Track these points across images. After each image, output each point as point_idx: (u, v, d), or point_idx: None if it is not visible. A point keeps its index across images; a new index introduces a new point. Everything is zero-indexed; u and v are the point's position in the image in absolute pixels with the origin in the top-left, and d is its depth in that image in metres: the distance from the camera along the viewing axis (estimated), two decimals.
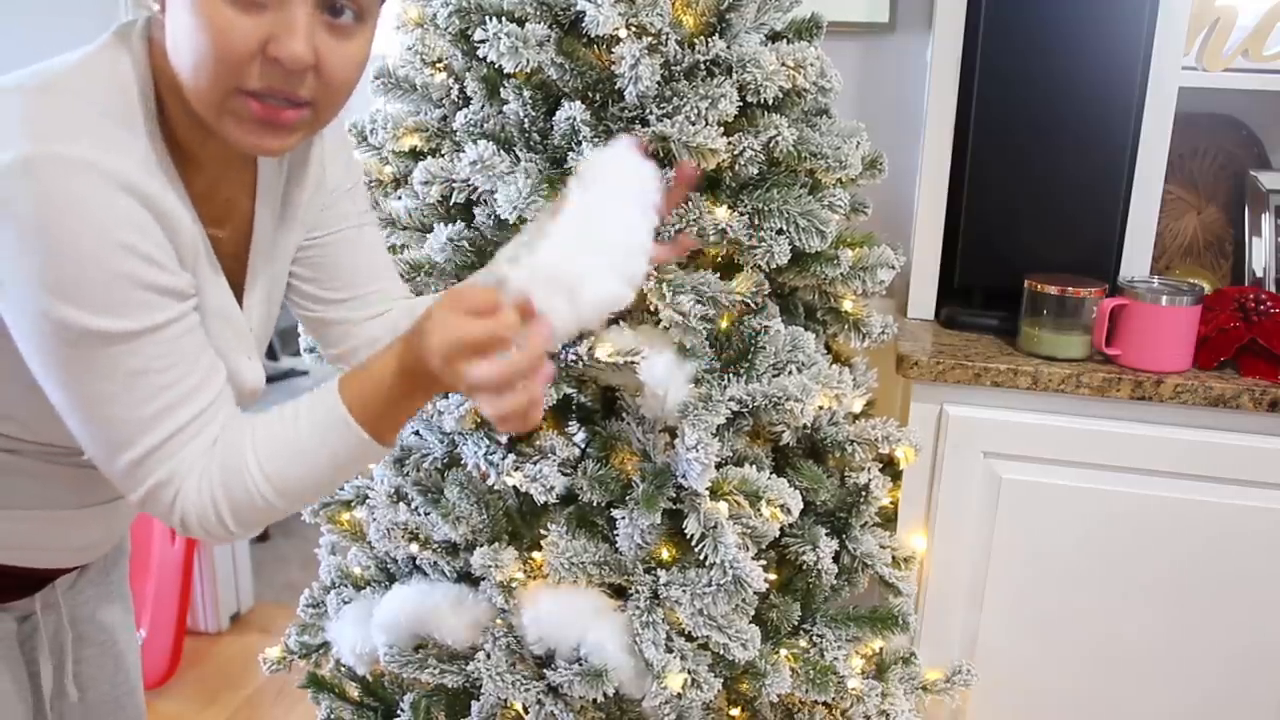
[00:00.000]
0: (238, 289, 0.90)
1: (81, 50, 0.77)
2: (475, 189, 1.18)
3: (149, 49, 0.78)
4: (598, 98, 1.14)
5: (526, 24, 1.10)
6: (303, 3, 0.72)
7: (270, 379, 3.32)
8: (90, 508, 0.95)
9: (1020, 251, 1.53)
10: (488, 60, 1.12)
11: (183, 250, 0.76)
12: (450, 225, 1.22)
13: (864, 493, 1.30)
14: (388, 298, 1.02)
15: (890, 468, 1.37)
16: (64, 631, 1.00)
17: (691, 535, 1.13)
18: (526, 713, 1.24)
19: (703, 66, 1.13)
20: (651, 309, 1.14)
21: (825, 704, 1.31)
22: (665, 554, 1.20)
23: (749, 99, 1.13)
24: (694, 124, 1.09)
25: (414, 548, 1.27)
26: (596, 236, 0.83)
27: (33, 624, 0.98)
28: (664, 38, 1.10)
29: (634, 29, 1.09)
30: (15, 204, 0.68)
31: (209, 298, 0.83)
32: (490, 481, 1.23)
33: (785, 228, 1.15)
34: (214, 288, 0.84)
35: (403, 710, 1.36)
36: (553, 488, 1.18)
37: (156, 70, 0.78)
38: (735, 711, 1.30)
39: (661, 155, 1.14)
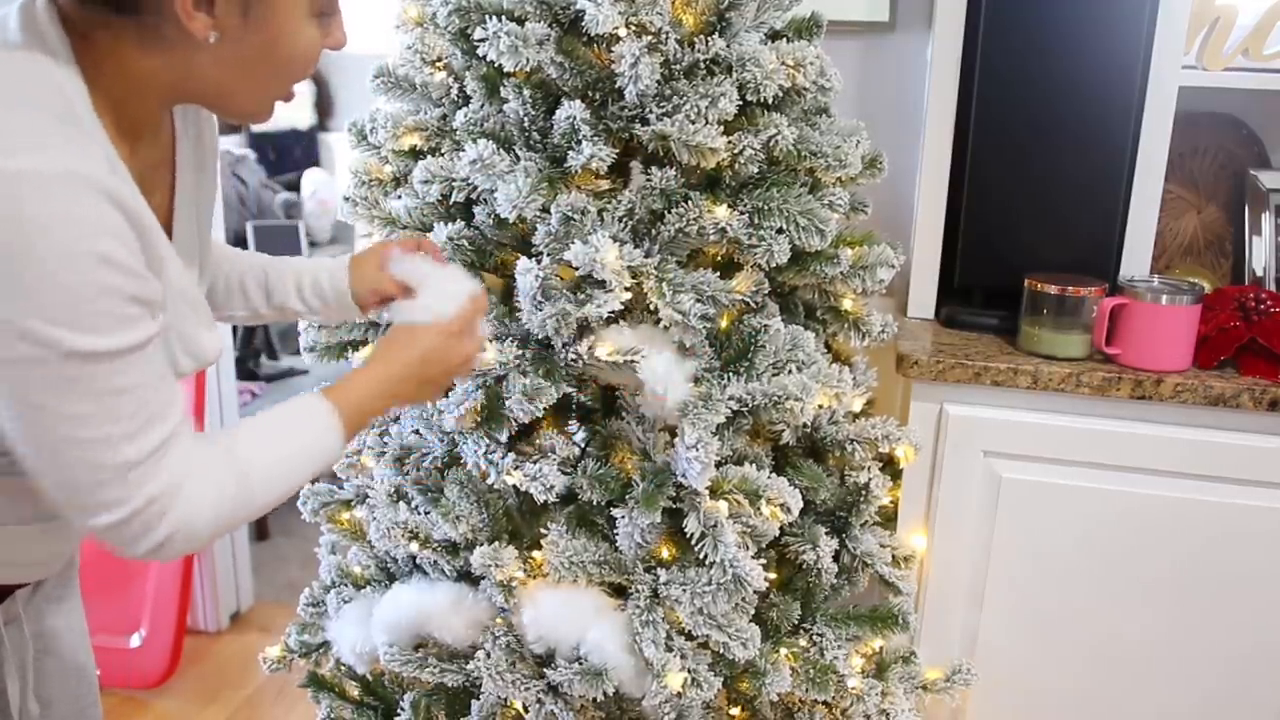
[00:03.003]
0: None
1: None
2: (475, 188, 1.18)
3: (72, 41, 0.77)
4: (597, 96, 1.14)
5: (526, 23, 1.10)
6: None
7: (270, 378, 3.31)
8: (53, 520, 0.93)
9: (1020, 251, 1.53)
10: (487, 59, 1.12)
11: (149, 244, 0.75)
12: (450, 224, 1.22)
13: (864, 492, 1.30)
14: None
15: (890, 467, 1.37)
16: (25, 645, 0.98)
17: (691, 534, 1.13)
18: (526, 712, 1.24)
19: (702, 65, 1.13)
20: (651, 308, 1.14)
21: (825, 703, 1.31)
22: (665, 553, 1.20)
23: (749, 98, 1.13)
24: (694, 123, 1.09)
25: (414, 547, 1.27)
26: None
27: None
28: (664, 36, 1.10)
29: (634, 28, 1.09)
30: None
31: (171, 275, 0.82)
32: (490, 480, 1.23)
33: (785, 226, 1.15)
34: (174, 265, 0.83)
35: (403, 709, 1.36)
36: (553, 487, 1.18)
37: (107, 62, 0.78)
38: (735, 710, 1.30)
39: (662, 154, 1.14)
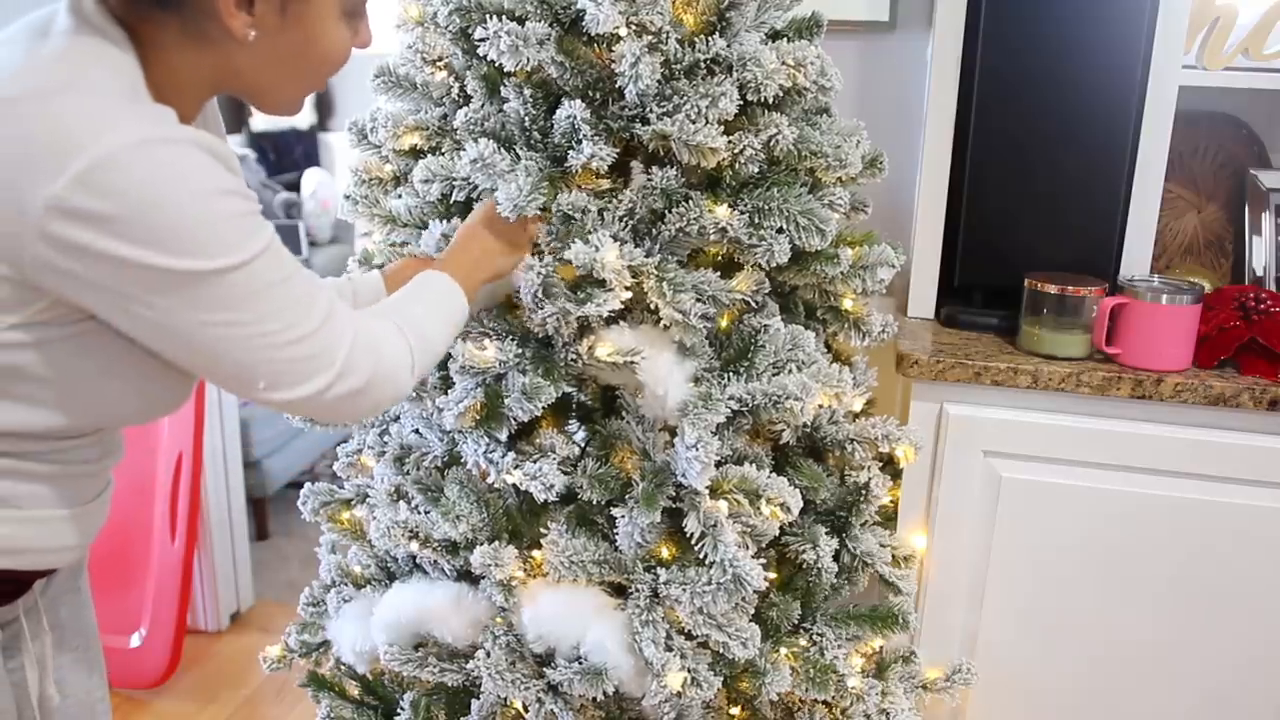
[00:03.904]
0: None
1: (50, 44, 0.79)
2: (476, 187, 1.18)
3: (129, 35, 0.81)
4: (598, 96, 1.14)
5: (527, 22, 1.10)
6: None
7: None
8: (88, 504, 0.96)
9: (1020, 250, 1.53)
10: (488, 59, 1.12)
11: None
12: (445, 222, 1.22)
13: (864, 491, 1.30)
14: None
15: (890, 466, 1.37)
16: (44, 634, 1.00)
17: (691, 534, 1.13)
18: (526, 711, 1.24)
19: (703, 65, 1.13)
20: (652, 308, 1.14)
21: (825, 702, 1.31)
22: (665, 552, 1.20)
23: (749, 97, 1.13)
24: (694, 122, 1.09)
25: (414, 546, 1.27)
26: None
27: (14, 630, 0.97)
28: (664, 36, 1.10)
29: (634, 27, 1.09)
30: (114, 197, 0.72)
31: None
32: (490, 480, 1.23)
33: (785, 226, 1.15)
34: None
35: (403, 709, 1.36)
36: (553, 486, 1.18)
37: (151, 54, 0.82)
38: (735, 710, 1.30)
39: (662, 153, 1.14)
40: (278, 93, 0.90)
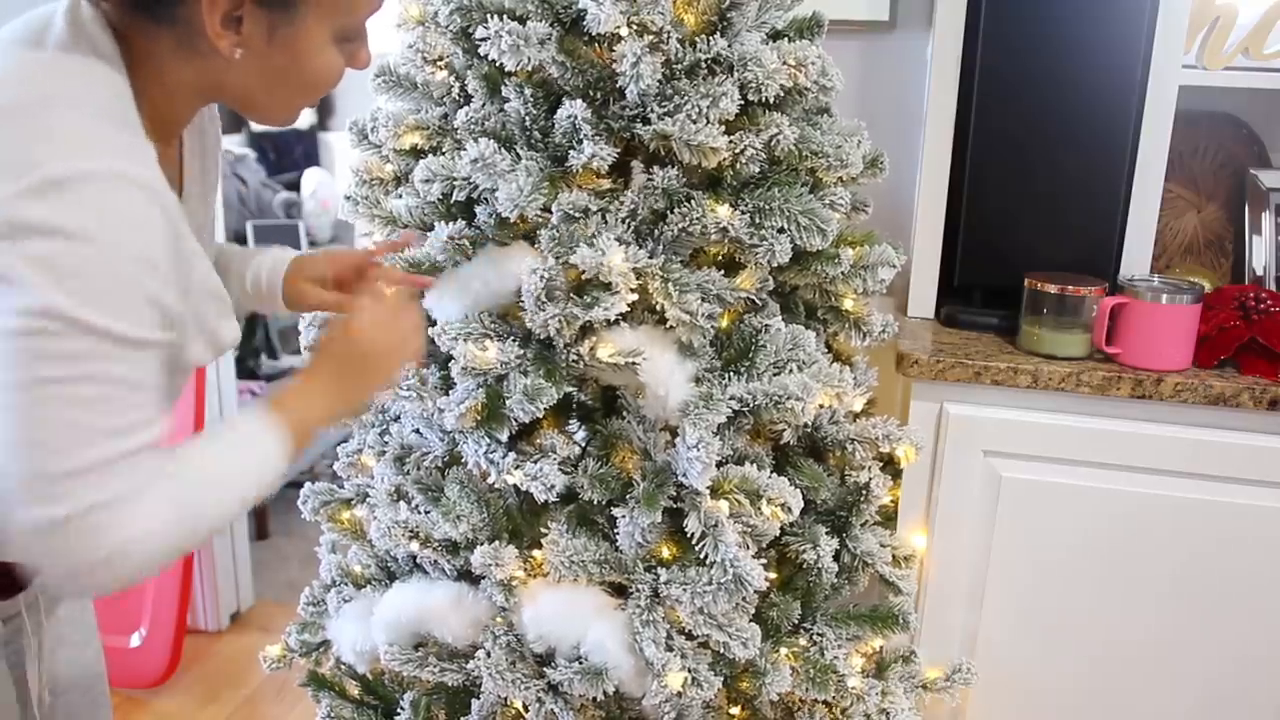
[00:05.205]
0: None
1: (42, 54, 0.78)
2: (476, 187, 1.18)
3: (119, 45, 0.80)
4: (599, 96, 1.14)
5: (528, 22, 1.10)
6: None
7: (270, 377, 3.29)
8: None
9: (1020, 250, 1.53)
10: (489, 58, 1.12)
11: (181, 248, 0.78)
12: (451, 224, 1.22)
13: (864, 491, 1.30)
14: None
15: (890, 466, 1.37)
16: (42, 631, 1.00)
17: (692, 534, 1.13)
18: (526, 711, 1.24)
19: (704, 65, 1.13)
20: (656, 308, 1.14)
21: (825, 702, 1.31)
22: (666, 552, 1.20)
23: (750, 97, 1.13)
24: (695, 122, 1.09)
25: (414, 546, 1.27)
26: None
27: (16, 625, 0.97)
28: (665, 36, 1.10)
29: (635, 27, 1.09)
30: (57, 221, 0.69)
31: (200, 272, 0.84)
32: (490, 480, 1.23)
33: (786, 226, 1.15)
34: (202, 263, 0.85)
35: (403, 708, 1.36)
36: (553, 486, 1.18)
37: (145, 66, 0.82)
38: (735, 710, 1.30)
39: (663, 153, 1.14)
40: (267, 107, 0.89)
